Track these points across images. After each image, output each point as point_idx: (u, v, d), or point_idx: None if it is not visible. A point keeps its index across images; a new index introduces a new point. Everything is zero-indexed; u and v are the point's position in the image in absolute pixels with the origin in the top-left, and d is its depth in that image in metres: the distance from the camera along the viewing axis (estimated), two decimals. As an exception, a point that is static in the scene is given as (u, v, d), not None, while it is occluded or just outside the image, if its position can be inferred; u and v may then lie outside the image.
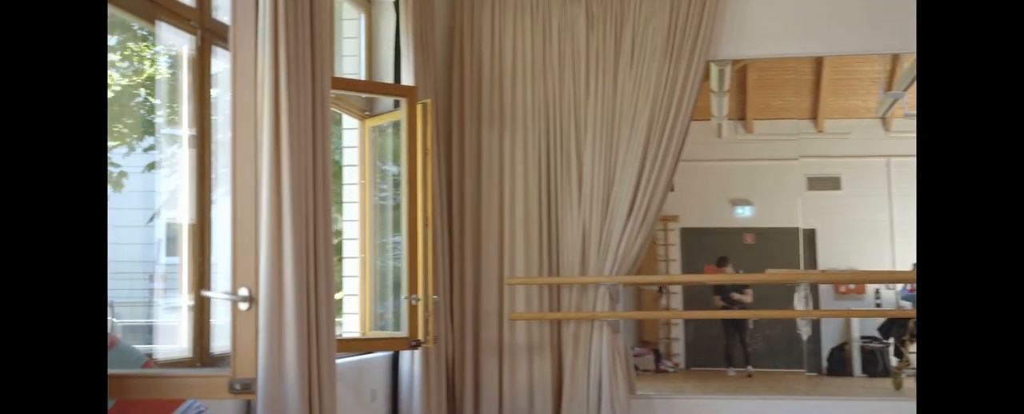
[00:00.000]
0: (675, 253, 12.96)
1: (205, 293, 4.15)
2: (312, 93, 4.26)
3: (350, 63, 6.15)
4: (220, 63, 4.46)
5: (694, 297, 12.70)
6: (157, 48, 10.09)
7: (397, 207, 5.79)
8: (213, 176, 4.42)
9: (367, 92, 5.90)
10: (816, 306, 10.98)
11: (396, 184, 5.90)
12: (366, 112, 6.07)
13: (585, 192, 6.50)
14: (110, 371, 3.16)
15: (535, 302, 6.50)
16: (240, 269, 2.87)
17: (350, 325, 6.04)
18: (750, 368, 11.77)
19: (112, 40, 10.22)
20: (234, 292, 2.84)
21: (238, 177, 2.85)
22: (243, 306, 2.85)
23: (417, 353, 5.74)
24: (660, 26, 6.49)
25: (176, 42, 4.36)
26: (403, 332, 5.49)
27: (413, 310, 5.44)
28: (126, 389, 2.99)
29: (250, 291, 2.86)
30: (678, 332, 12.92)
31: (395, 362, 5.95)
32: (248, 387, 2.84)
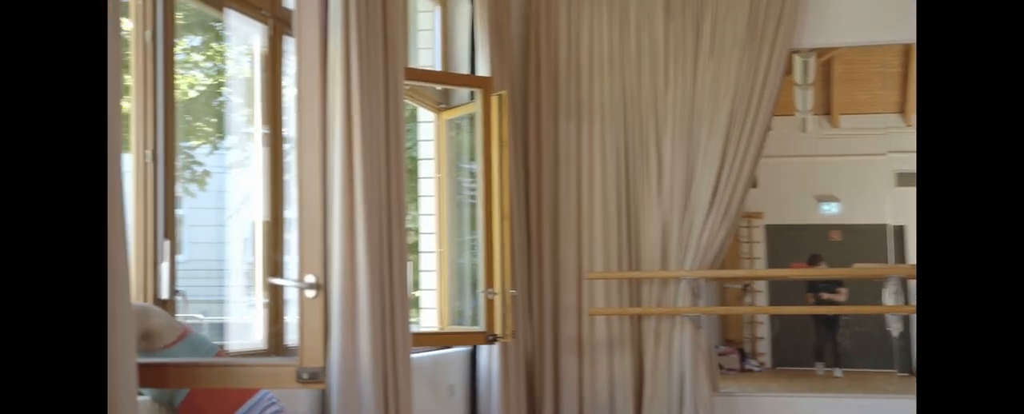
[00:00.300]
0: (759, 250, 12.72)
1: (273, 280, 4.11)
2: (384, 81, 4.21)
3: (425, 56, 6.10)
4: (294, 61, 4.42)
5: (780, 296, 12.46)
6: (240, 48, 10.21)
7: (475, 202, 5.73)
8: (287, 174, 4.41)
9: (441, 83, 5.85)
10: (907, 304, 10.69)
11: (474, 179, 5.85)
12: (442, 105, 6.01)
13: (664, 185, 6.36)
14: (179, 360, 3.14)
15: (615, 297, 6.38)
16: (307, 256, 2.81)
17: (428, 321, 5.99)
18: (837, 372, 11.48)
19: (195, 40, 10.34)
20: (301, 279, 2.79)
21: (303, 162, 2.80)
22: (310, 294, 2.80)
23: (495, 349, 5.67)
24: (741, 14, 6.33)
25: (247, 32, 4.34)
26: (481, 327, 5.43)
27: (490, 304, 5.37)
28: (194, 378, 2.95)
29: (317, 278, 2.80)
30: (763, 331, 12.68)
31: (473, 358, 5.90)
32: (316, 376, 2.77)
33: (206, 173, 10.42)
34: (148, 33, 3.58)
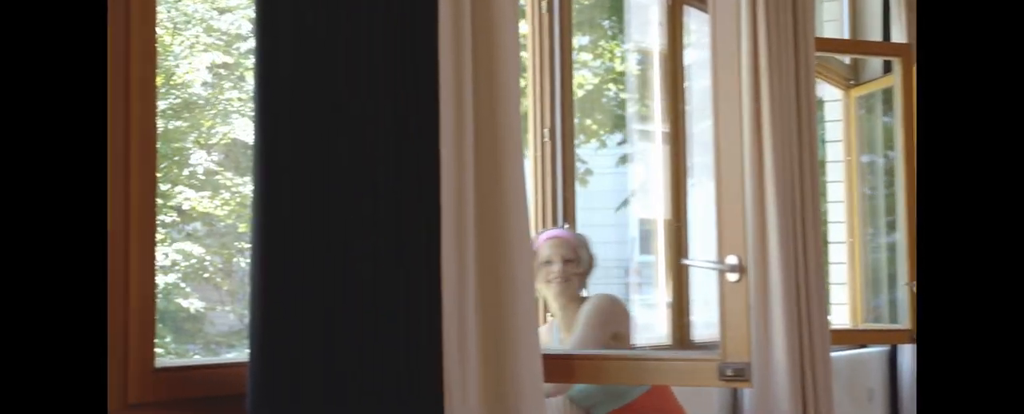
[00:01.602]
0: None
1: (687, 261, 3.81)
2: (795, 52, 3.84)
3: (830, 28, 5.64)
4: (692, 53, 4.14)
5: None
6: (626, 45, 10.12)
7: (890, 186, 5.26)
8: (687, 169, 4.15)
9: (852, 53, 5.41)
10: None
11: (888, 166, 5.38)
12: (850, 81, 5.55)
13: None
14: (586, 352, 2.91)
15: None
16: (727, 235, 2.46)
17: (839, 317, 5.55)
18: None
19: (584, 39, 10.34)
20: (721, 260, 2.44)
21: (720, 127, 2.46)
22: (732, 277, 2.44)
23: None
24: None
25: (645, 3, 4.10)
26: (902, 324, 4.93)
27: (914, 298, 4.84)
28: (600, 372, 2.67)
29: (739, 259, 2.44)
30: None
31: (893, 359, 5.40)
32: (741, 373, 2.42)
33: (588, 171, 10.37)
34: (544, 4, 3.40)
